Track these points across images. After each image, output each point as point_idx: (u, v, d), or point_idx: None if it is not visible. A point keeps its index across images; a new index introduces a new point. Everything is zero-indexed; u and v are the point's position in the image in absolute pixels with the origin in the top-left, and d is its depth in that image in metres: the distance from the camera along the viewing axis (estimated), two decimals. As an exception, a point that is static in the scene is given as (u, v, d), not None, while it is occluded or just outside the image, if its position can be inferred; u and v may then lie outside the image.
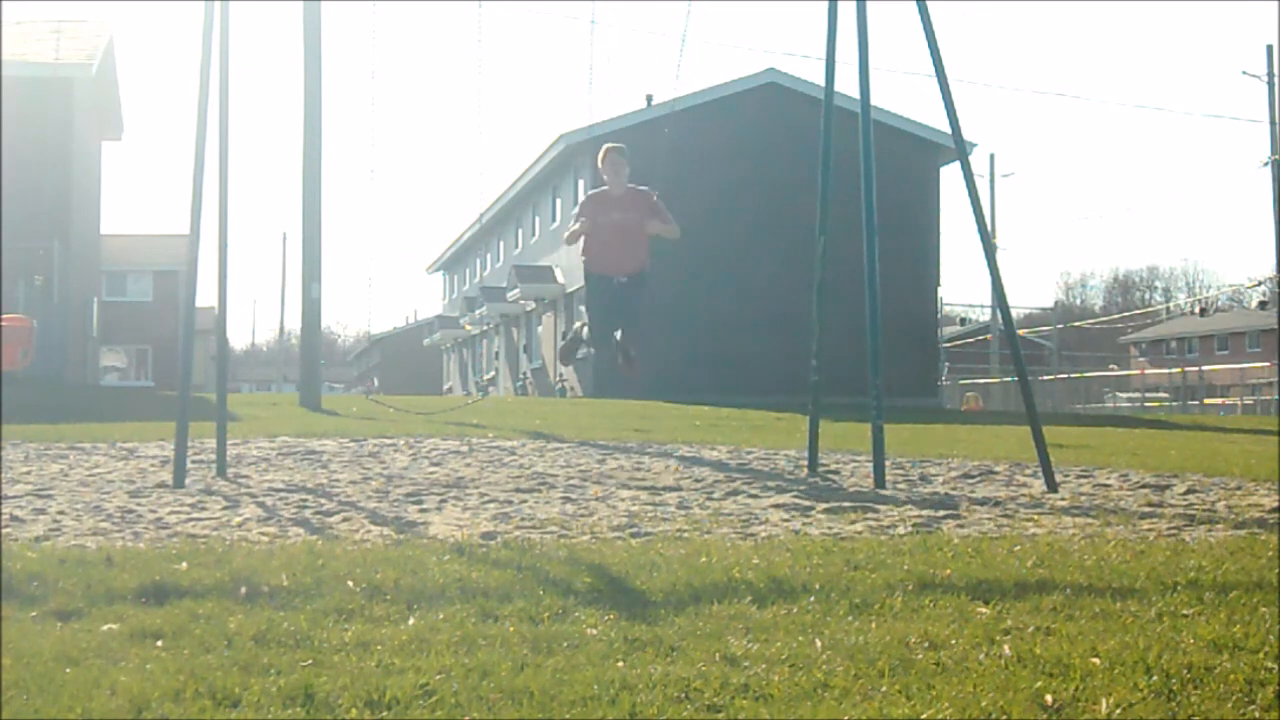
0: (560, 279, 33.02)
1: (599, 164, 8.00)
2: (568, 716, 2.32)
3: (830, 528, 5.15)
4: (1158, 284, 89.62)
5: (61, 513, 5.50)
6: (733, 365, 27.69)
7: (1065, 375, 48.99)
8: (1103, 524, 5.28)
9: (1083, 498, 6.46)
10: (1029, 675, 2.56)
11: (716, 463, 8.65)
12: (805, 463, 8.10)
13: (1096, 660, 2.66)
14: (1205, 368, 50.44)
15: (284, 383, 56.36)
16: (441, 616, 3.12)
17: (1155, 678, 2.52)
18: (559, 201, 33.71)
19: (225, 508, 5.81)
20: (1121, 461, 9.07)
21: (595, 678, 2.52)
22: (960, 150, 7.36)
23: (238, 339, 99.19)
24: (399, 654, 2.75)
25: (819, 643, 2.84)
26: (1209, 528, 5.20)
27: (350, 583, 3.51)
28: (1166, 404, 43.55)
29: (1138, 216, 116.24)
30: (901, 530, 5.09)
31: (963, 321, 55.00)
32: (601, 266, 8.04)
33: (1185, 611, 3.19)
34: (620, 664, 2.67)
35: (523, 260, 37.06)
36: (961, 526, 5.25)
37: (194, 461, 7.68)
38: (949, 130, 7.32)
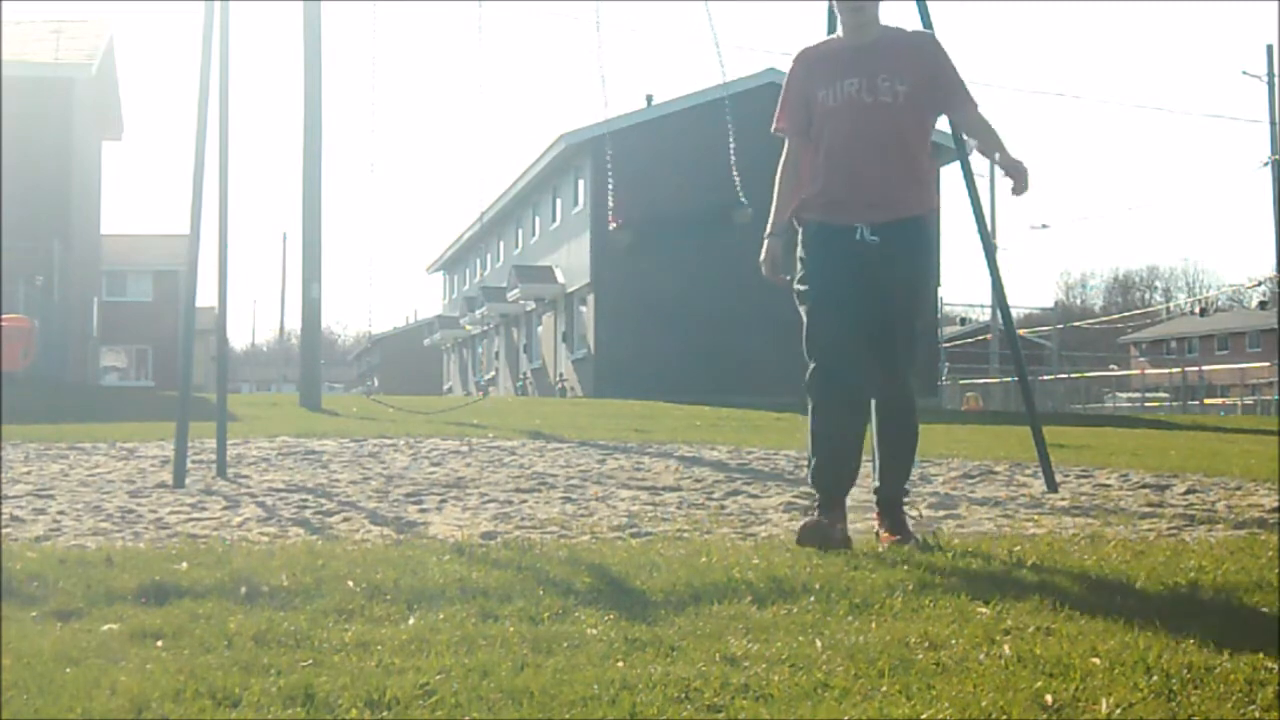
0: (560, 279, 33.01)
1: None
2: (568, 716, 2.32)
3: (830, 528, 5.14)
4: (1158, 284, 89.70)
5: (61, 513, 5.50)
6: (733, 365, 27.69)
7: (1065, 375, 48.98)
8: (1103, 524, 5.28)
9: (1083, 498, 6.46)
10: (1029, 675, 2.56)
11: (716, 463, 8.65)
12: (805, 463, 8.08)
13: (1096, 660, 2.66)
14: (1205, 368, 50.45)
15: (284, 383, 56.37)
16: (441, 616, 3.12)
17: (1155, 678, 2.52)
18: (559, 201, 33.71)
19: (225, 508, 5.81)
20: (1121, 461, 9.07)
21: (595, 678, 2.52)
22: (960, 150, 7.35)
23: (238, 339, 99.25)
24: (399, 654, 2.74)
25: (819, 643, 2.84)
26: (1209, 528, 5.20)
27: (350, 583, 3.51)
28: (1166, 404, 43.54)
29: (1138, 216, 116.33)
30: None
31: (963, 321, 54.98)
32: (830, 207, 4.34)
33: (1185, 612, 3.18)
34: (620, 664, 2.67)
35: (523, 260, 37.06)
36: (961, 526, 5.25)
37: (194, 461, 7.67)
38: (949, 130, 7.31)
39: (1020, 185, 4.32)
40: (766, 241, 4.53)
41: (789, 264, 4.49)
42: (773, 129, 4.53)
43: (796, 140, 4.47)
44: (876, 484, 4.64)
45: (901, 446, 4.56)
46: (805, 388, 4.42)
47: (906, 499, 4.77)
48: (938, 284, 32.46)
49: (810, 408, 4.46)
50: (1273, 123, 35.77)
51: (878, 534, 4.52)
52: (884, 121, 4.29)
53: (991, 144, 4.45)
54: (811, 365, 4.37)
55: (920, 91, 4.31)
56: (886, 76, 4.27)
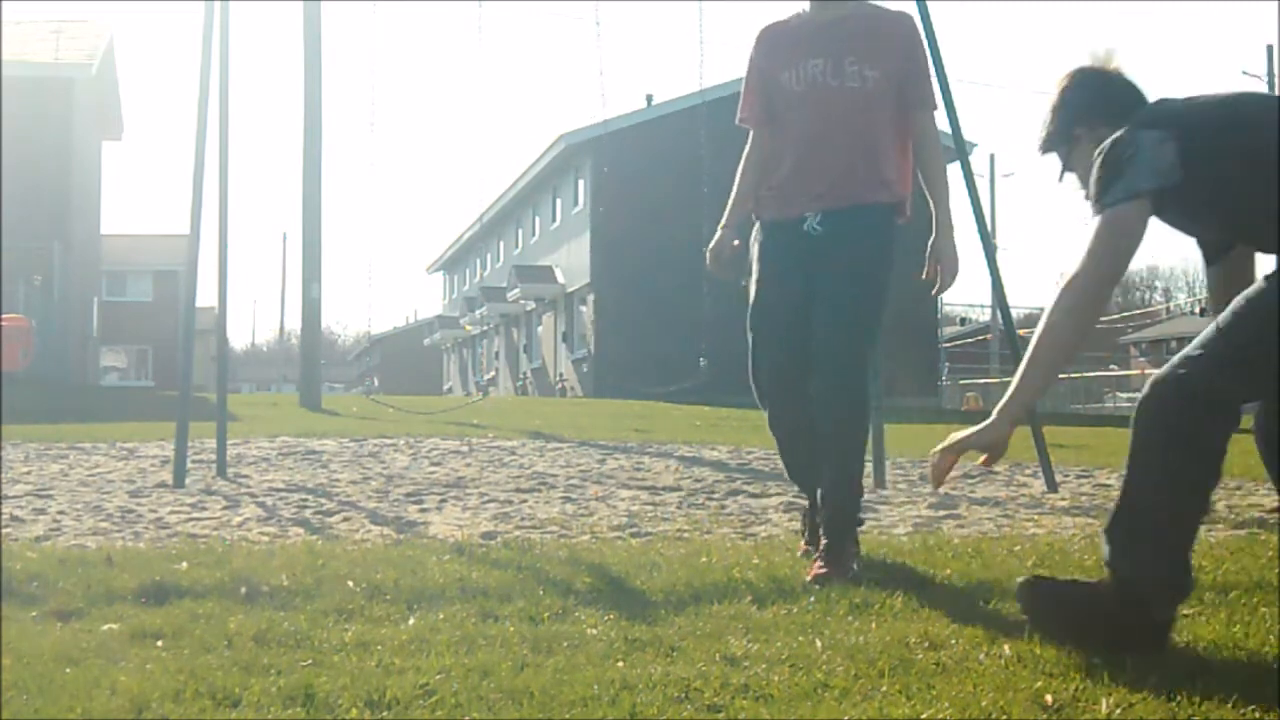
0: (560, 279, 33.01)
1: None
2: (568, 716, 2.32)
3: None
4: (1158, 284, 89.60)
5: (61, 513, 5.50)
6: (732, 365, 27.66)
7: (1065, 375, 48.96)
8: (1103, 524, 5.27)
9: (1083, 498, 6.46)
10: (1029, 675, 2.56)
11: (716, 463, 8.65)
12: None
13: (1096, 660, 2.66)
14: (1205, 368, 50.28)
15: (284, 383, 56.35)
16: (441, 616, 3.12)
17: (1155, 678, 2.52)
18: (559, 201, 33.71)
19: (225, 508, 5.81)
20: (1121, 461, 9.06)
21: (595, 678, 2.52)
22: (960, 150, 7.35)
23: (238, 339, 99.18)
24: (399, 654, 2.74)
25: (819, 643, 2.84)
26: (1209, 528, 5.19)
27: (350, 583, 3.51)
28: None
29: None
30: (901, 530, 5.09)
31: (963, 321, 54.97)
32: (783, 201, 3.99)
33: (1185, 612, 3.18)
34: (620, 664, 2.67)
35: (523, 260, 37.06)
36: (961, 526, 5.25)
37: (194, 461, 7.67)
38: (949, 130, 7.31)
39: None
40: (720, 232, 4.12)
41: (740, 263, 4.08)
42: (737, 120, 4.14)
43: (761, 130, 4.09)
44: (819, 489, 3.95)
45: (838, 440, 3.85)
46: (756, 381, 4.03)
47: (861, 527, 4.02)
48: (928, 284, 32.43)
49: (756, 379, 4.04)
50: (1273, 123, 35.78)
51: (807, 553, 3.92)
52: (849, 110, 3.83)
53: (932, 160, 4.02)
54: (752, 371, 3.98)
55: (892, 79, 3.85)
56: (854, 59, 3.81)
